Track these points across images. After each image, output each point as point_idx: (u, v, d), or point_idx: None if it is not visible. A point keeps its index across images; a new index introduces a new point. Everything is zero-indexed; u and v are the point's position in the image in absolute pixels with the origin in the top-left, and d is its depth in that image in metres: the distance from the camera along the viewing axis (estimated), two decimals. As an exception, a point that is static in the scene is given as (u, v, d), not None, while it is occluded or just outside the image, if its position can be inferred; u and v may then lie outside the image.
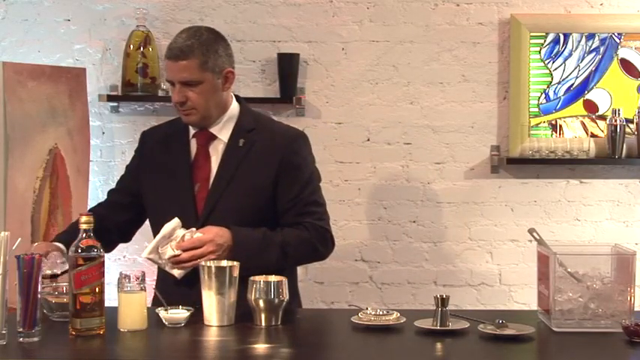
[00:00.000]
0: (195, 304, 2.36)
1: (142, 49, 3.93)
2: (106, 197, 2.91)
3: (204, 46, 2.60)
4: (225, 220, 2.56)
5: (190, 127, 2.71)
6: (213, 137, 2.69)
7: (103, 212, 2.69)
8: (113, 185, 4.05)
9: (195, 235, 2.52)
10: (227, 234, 2.53)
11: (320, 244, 2.65)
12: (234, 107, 2.73)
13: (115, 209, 2.78)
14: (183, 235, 2.52)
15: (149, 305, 2.37)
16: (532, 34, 4.02)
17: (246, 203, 2.62)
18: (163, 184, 2.69)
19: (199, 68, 2.59)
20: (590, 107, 4.06)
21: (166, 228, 2.53)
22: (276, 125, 2.83)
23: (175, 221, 2.54)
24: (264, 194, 2.64)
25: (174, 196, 2.67)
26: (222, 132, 2.69)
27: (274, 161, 2.65)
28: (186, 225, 2.56)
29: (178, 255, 2.50)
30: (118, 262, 4.07)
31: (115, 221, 2.74)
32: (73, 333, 2.20)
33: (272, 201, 2.65)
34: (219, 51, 2.64)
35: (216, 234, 2.52)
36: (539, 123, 4.05)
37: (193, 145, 2.71)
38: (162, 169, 2.71)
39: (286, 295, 2.34)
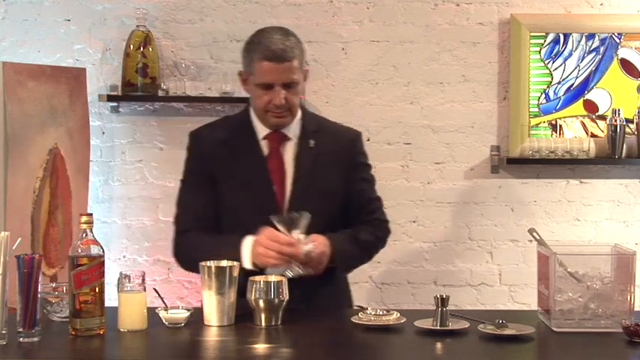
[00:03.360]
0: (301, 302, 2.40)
1: (142, 49, 3.93)
2: (185, 217, 2.70)
3: (299, 47, 2.59)
4: (310, 223, 2.55)
5: (257, 129, 2.66)
6: (286, 138, 2.68)
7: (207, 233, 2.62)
8: (113, 185, 4.08)
9: (309, 246, 2.47)
10: (328, 243, 2.54)
11: (387, 238, 2.80)
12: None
13: (210, 223, 2.66)
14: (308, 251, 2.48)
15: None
16: (532, 34, 4.02)
17: (325, 204, 2.64)
18: (240, 186, 2.64)
19: (298, 69, 2.58)
20: (590, 107, 4.06)
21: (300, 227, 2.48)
22: (334, 125, 2.84)
23: (302, 236, 2.48)
24: (338, 194, 2.68)
25: (254, 199, 2.63)
26: (293, 133, 2.68)
27: (344, 162, 2.70)
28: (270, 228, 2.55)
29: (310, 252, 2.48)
30: (118, 262, 4.07)
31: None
32: (73, 333, 2.20)
33: (344, 200, 2.69)
34: (304, 49, 2.64)
35: (325, 244, 2.53)
36: (539, 123, 4.05)
37: (263, 146, 2.67)
38: (235, 170, 2.65)
39: (286, 295, 2.34)
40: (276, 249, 2.44)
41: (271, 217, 2.49)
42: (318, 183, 2.64)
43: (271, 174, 2.65)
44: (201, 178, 2.69)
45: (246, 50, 2.63)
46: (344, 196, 2.69)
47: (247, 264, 2.48)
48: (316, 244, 2.50)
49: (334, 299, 2.70)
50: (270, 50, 2.54)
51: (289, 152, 2.67)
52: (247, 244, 2.50)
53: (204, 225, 2.64)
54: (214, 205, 2.66)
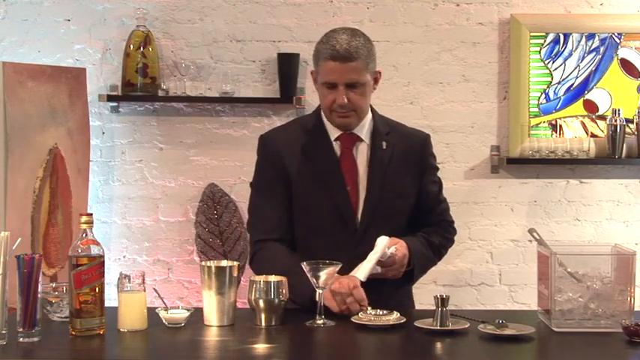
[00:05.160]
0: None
1: (142, 49, 3.93)
2: (264, 227, 2.67)
3: (366, 48, 2.58)
4: (383, 224, 2.59)
5: (330, 130, 2.67)
6: (359, 140, 2.68)
7: (288, 246, 2.63)
8: (113, 185, 4.09)
9: (392, 248, 2.52)
10: (406, 246, 2.58)
11: (454, 238, 2.85)
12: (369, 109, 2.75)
13: (286, 233, 2.65)
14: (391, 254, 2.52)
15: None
16: (532, 34, 4.02)
17: (399, 206, 2.68)
18: (314, 187, 2.64)
19: (364, 70, 2.57)
20: (590, 107, 4.06)
21: (380, 250, 2.49)
22: (405, 128, 2.85)
23: (385, 241, 2.50)
24: (411, 196, 2.71)
25: (329, 200, 2.64)
26: (365, 134, 2.69)
27: (416, 164, 2.72)
28: (346, 228, 2.60)
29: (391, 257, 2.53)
30: (118, 262, 4.07)
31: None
32: (73, 333, 2.20)
33: (416, 201, 2.72)
34: (374, 52, 2.64)
35: (405, 248, 2.57)
36: (539, 123, 4.05)
37: (336, 147, 2.67)
38: (309, 171, 2.65)
39: (286, 295, 2.34)
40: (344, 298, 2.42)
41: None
42: (392, 184, 2.66)
43: (345, 174, 2.66)
44: (274, 184, 2.68)
45: (316, 49, 2.64)
46: (415, 197, 2.72)
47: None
48: (398, 247, 2.54)
49: (401, 302, 2.69)
50: (334, 50, 2.55)
51: (362, 153, 2.69)
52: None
53: (281, 236, 2.64)
54: (289, 211, 2.66)
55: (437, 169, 2.83)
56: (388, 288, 2.56)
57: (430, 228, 2.75)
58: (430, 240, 2.71)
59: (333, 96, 2.59)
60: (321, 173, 2.65)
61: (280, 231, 2.65)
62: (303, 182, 2.65)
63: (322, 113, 2.70)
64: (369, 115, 2.72)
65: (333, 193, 2.64)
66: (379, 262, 2.50)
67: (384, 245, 2.50)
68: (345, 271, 2.45)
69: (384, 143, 2.69)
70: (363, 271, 2.47)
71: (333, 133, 2.68)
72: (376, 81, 2.67)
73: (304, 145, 2.68)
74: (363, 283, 2.44)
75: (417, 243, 2.65)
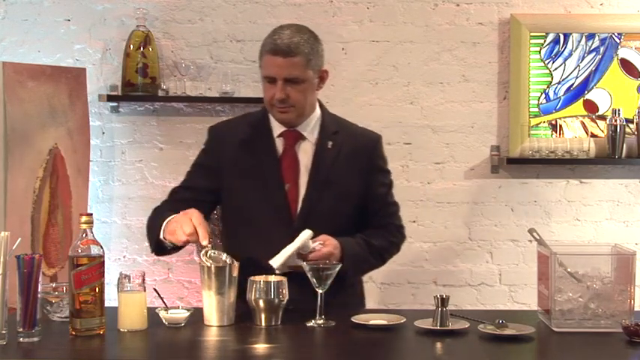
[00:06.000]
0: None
1: (142, 49, 3.93)
2: (169, 196, 2.78)
3: (309, 44, 2.59)
4: (321, 223, 2.56)
5: (274, 126, 2.68)
6: (302, 137, 2.68)
7: (172, 212, 2.56)
8: (113, 185, 4.09)
9: (317, 243, 2.49)
10: (339, 246, 2.54)
11: (401, 243, 2.83)
12: (318, 108, 2.74)
13: (184, 208, 2.55)
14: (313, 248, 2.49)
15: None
16: (532, 34, 4.02)
17: (341, 206, 2.66)
18: (251, 183, 2.65)
19: (305, 66, 2.58)
20: (590, 107, 4.06)
21: (299, 241, 2.46)
22: (355, 127, 2.83)
23: (308, 234, 2.48)
24: (356, 197, 2.69)
25: (265, 196, 2.63)
26: (310, 132, 2.69)
27: (363, 165, 2.70)
28: (281, 226, 2.57)
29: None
30: (118, 262, 4.07)
31: None
32: (73, 333, 2.20)
33: (360, 202, 2.69)
34: (319, 50, 2.64)
35: (335, 247, 2.53)
36: (539, 123, 4.05)
37: (278, 144, 2.68)
38: (247, 167, 2.66)
39: (286, 295, 2.34)
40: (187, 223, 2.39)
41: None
42: (334, 184, 2.64)
43: (284, 172, 2.65)
44: (201, 172, 2.72)
45: (261, 45, 2.65)
46: (360, 199, 2.70)
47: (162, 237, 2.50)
48: (324, 244, 2.51)
49: (348, 301, 2.68)
50: (275, 44, 2.56)
51: (305, 151, 2.68)
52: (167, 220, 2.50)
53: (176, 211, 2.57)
54: (201, 199, 2.66)
55: (387, 171, 2.80)
56: (335, 286, 2.49)
57: (374, 230, 2.71)
58: (369, 242, 2.66)
59: (273, 90, 2.59)
60: (260, 170, 2.64)
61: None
62: (240, 178, 2.65)
63: None
64: (317, 113, 2.71)
65: (270, 190, 2.63)
66: (299, 255, 2.46)
67: (305, 237, 2.46)
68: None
69: (330, 142, 2.68)
70: (279, 259, 2.43)
71: (277, 129, 2.68)
72: (322, 79, 2.67)
73: (247, 139, 2.68)
74: (307, 283, 2.38)
75: (353, 243, 2.61)
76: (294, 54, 2.55)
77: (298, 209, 2.63)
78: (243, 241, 2.62)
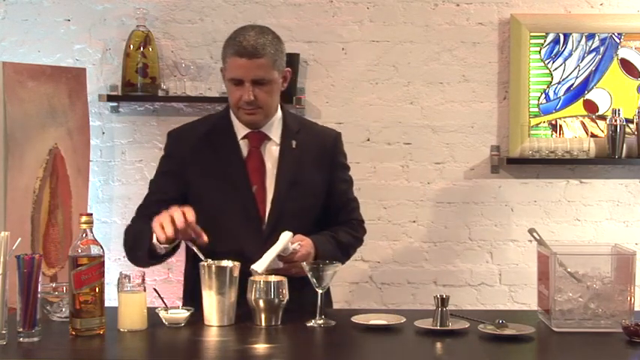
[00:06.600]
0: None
1: (142, 49, 3.93)
2: (137, 212, 2.73)
3: (274, 46, 2.58)
4: (291, 223, 2.55)
5: (237, 128, 2.66)
6: (267, 138, 2.67)
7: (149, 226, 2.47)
8: (113, 185, 4.09)
9: (296, 244, 2.49)
10: (314, 245, 2.55)
11: (363, 238, 2.85)
12: (279, 108, 2.73)
13: None
14: (294, 250, 2.49)
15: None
16: (532, 34, 4.02)
17: (308, 205, 2.66)
18: (218, 185, 2.62)
19: (271, 67, 2.57)
20: (590, 107, 4.06)
21: (281, 244, 2.45)
22: (315, 126, 2.86)
23: (288, 236, 2.48)
24: (321, 195, 2.70)
25: (233, 199, 2.62)
26: (274, 133, 2.68)
27: (326, 162, 2.72)
28: (251, 228, 2.57)
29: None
30: (118, 262, 4.06)
31: None
32: (73, 333, 2.20)
33: (325, 200, 2.71)
34: (283, 50, 2.63)
35: (311, 246, 2.54)
36: (539, 123, 4.05)
37: (243, 145, 2.66)
38: (213, 170, 2.64)
39: (286, 295, 2.34)
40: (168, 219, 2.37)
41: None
42: (301, 183, 2.64)
43: (250, 174, 2.63)
44: (172, 179, 2.68)
45: (224, 46, 2.62)
46: (325, 196, 2.71)
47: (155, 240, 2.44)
48: (302, 244, 2.51)
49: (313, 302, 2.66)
50: (241, 46, 2.54)
51: (270, 152, 2.67)
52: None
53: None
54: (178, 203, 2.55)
55: (347, 167, 2.81)
56: (299, 285, 2.48)
57: (339, 227, 2.71)
58: (338, 239, 2.67)
59: (239, 92, 2.58)
60: (226, 173, 2.63)
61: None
62: (206, 182, 2.63)
63: (231, 111, 2.68)
64: (279, 113, 2.70)
65: (238, 193, 2.61)
66: (280, 257, 2.46)
67: (286, 240, 2.46)
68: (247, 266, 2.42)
69: (294, 142, 2.68)
70: (262, 263, 2.42)
71: (241, 131, 2.66)
72: (285, 79, 2.67)
73: (210, 143, 2.66)
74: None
75: (325, 242, 2.61)
76: (260, 55, 2.54)
77: (267, 210, 2.62)
78: (213, 244, 2.52)
